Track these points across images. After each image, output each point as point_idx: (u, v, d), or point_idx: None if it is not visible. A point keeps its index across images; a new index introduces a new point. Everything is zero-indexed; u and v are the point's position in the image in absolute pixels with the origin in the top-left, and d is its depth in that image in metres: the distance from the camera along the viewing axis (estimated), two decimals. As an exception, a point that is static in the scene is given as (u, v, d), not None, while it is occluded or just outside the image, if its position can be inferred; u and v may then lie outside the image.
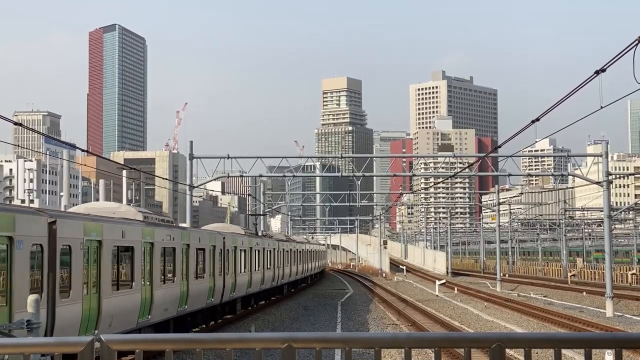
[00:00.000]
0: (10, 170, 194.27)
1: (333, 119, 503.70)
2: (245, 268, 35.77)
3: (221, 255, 30.89)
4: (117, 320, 19.24)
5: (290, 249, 53.13)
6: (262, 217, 68.06)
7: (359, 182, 59.23)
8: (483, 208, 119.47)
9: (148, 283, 21.73)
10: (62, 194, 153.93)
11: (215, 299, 29.91)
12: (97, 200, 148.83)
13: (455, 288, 59.26)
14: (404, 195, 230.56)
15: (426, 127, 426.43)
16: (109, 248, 18.78)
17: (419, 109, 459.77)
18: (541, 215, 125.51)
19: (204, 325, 30.08)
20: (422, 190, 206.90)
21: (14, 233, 14.04)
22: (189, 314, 26.62)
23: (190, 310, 26.47)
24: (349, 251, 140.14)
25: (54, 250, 15.69)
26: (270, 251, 43.50)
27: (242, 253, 35.19)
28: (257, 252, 38.80)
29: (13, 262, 14.04)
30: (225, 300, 31.85)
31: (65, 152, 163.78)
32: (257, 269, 38.70)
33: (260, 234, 46.55)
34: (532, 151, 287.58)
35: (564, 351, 4.35)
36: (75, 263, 16.74)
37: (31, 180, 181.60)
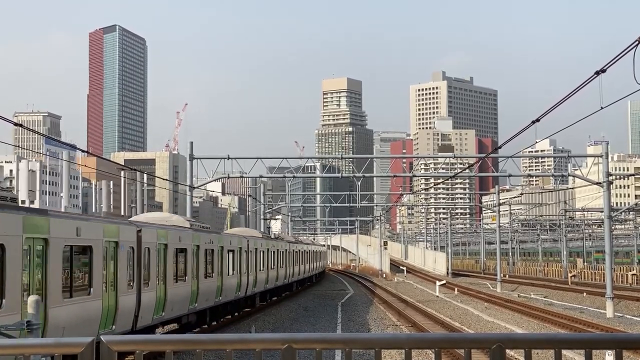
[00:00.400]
0: (11, 171, 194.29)
1: (333, 119, 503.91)
2: (263, 267, 40.44)
3: (246, 256, 35.75)
4: (176, 306, 24.25)
5: (299, 250, 58.01)
6: (268, 220, 74.08)
7: (359, 183, 59.24)
8: (483, 209, 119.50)
9: (195, 278, 26.42)
10: (62, 194, 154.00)
11: (241, 293, 34.71)
12: (97, 200, 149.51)
13: (456, 289, 59.28)
14: (404, 195, 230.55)
15: (426, 128, 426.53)
16: (172, 250, 23.90)
17: (419, 109, 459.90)
18: (541, 215, 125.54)
19: (236, 314, 35.69)
20: (423, 191, 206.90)
21: (119, 239, 19.20)
22: (221, 305, 31.35)
23: (223, 302, 31.24)
24: (349, 252, 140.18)
25: (140, 251, 20.91)
26: (282, 252, 48.22)
27: (261, 254, 39.95)
28: (272, 253, 43.60)
29: (118, 259, 19.17)
30: (248, 294, 36.74)
31: (65, 152, 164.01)
32: (272, 268, 43.49)
33: (272, 236, 51.48)
34: (532, 152, 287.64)
35: (564, 352, 4.35)
36: (152, 261, 21.97)
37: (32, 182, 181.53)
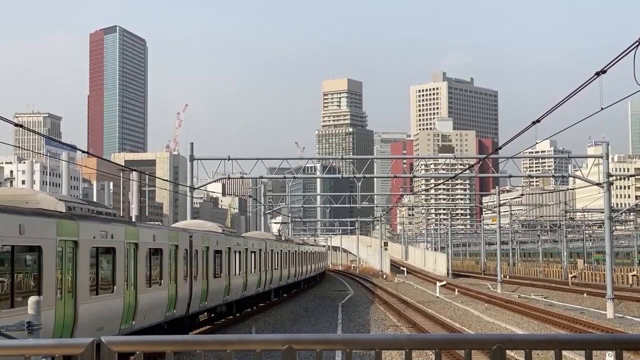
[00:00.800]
0: (11, 172, 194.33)
1: (333, 120, 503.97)
2: (277, 266, 45.17)
3: (264, 257, 40.65)
4: (214, 297, 29.44)
5: (306, 251, 63.02)
6: (280, 224, 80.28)
7: (360, 184, 59.27)
8: (484, 209, 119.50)
9: (227, 275, 31.49)
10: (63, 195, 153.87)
11: (260, 289, 39.64)
12: (96, 200, 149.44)
13: (456, 289, 59.27)
14: (405, 196, 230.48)
15: (427, 129, 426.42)
16: (212, 251, 28.92)
17: (419, 110, 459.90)
18: (542, 216, 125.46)
19: (256, 306, 41.18)
20: (423, 192, 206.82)
21: (178, 243, 24.31)
22: (245, 298, 36.41)
23: (247, 296, 36.30)
24: (350, 252, 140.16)
25: (191, 252, 25.95)
26: (292, 253, 53.10)
27: (276, 255, 44.79)
28: (284, 253, 48.47)
29: (177, 259, 24.27)
30: (265, 290, 41.74)
31: (65, 153, 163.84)
32: (284, 267, 48.33)
33: (283, 238, 56.08)
34: (532, 152, 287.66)
35: (564, 352, 4.35)
36: (199, 260, 26.97)
37: (33, 182, 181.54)
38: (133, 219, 34.91)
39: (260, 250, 39.26)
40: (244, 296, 35.53)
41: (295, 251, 54.92)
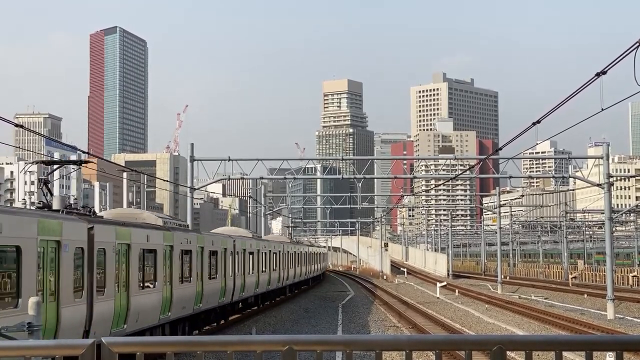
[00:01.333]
0: (12, 172, 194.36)
1: (334, 121, 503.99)
2: (290, 265, 51.09)
3: (282, 256, 47.11)
4: (247, 289, 35.38)
5: (312, 252, 68.83)
6: (290, 227, 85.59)
7: (360, 184, 59.25)
8: (484, 210, 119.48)
9: (257, 272, 37.68)
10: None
11: (279, 284, 46.13)
12: (99, 201, 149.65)
13: (456, 290, 59.25)
14: (405, 197, 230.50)
15: (427, 129, 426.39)
16: (245, 252, 34.95)
17: (419, 111, 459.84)
18: (542, 217, 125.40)
19: (279, 297, 49.36)
20: (423, 193, 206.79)
21: (227, 246, 31.09)
22: (269, 291, 43.39)
23: (271, 289, 43.01)
24: (350, 253, 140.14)
25: (234, 253, 32.49)
26: (303, 254, 59.60)
27: (289, 255, 50.82)
28: (296, 254, 54.29)
29: (226, 258, 30.92)
30: (282, 286, 48.04)
31: (60, 154, 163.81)
32: (296, 266, 54.31)
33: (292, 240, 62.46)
34: (533, 153, 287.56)
35: (565, 353, 4.35)
36: (240, 260, 33.70)
37: (32, 183, 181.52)
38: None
39: (279, 251, 45.83)
40: (268, 290, 42.23)
41: (305, 252, 61.80)
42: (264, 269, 40.08)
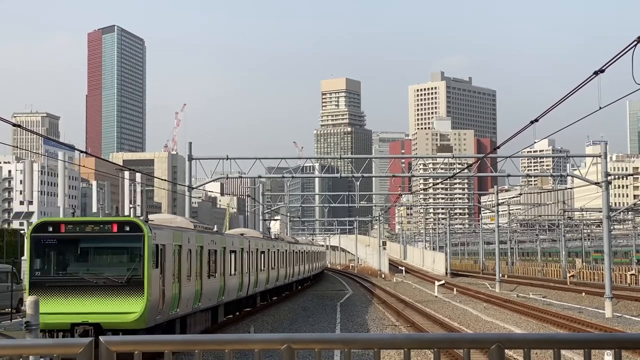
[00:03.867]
0: (9, 171, 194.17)
1: (332, 119, 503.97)
2: (296, 263, 55.30)
3: (290, 255, 51.55)
4: (260, 284, 39.40)
5: (312, 250, 71.48)
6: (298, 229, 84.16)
7: (358, 183, 59.23)
8: (482, 209, 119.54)
9: (268, 269, 41.80)
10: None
11: (287, 280, 50.16)
12: (98, 201, 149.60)
13: (455, 289, 59.28)
14: (403, 196, 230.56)
15: (425, 128, 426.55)
16: (258, 252, 38.31)
17: (417, 109, 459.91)
18: (540, 215, 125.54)
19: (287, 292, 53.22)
20: (421, 191, 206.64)
21: (243, 246, 34.62)
22: (280, 286, 48.01)
23: (279, 285, 46.86)
24: (348, 252, 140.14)
25: (249, 252, 35.93)
26: (305, 252, 63.02)
27: (296, 254, 55.45)
28: (301, 253, 58.92)
29: (243, 257, 34.23)
30: (290, 281, 52.59)
31: (61, 153, 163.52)
32: (301, 264, 58.82)
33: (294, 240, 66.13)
34: (531, 152, 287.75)
35: (563, 352, 4.35)
36: (255, 258, 37.51)
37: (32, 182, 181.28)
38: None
39: (285, 250, 49.25)
40: (277, 285, 45.59)
41: (308, 251, 66.60)
42: (272, 267, 43.55)
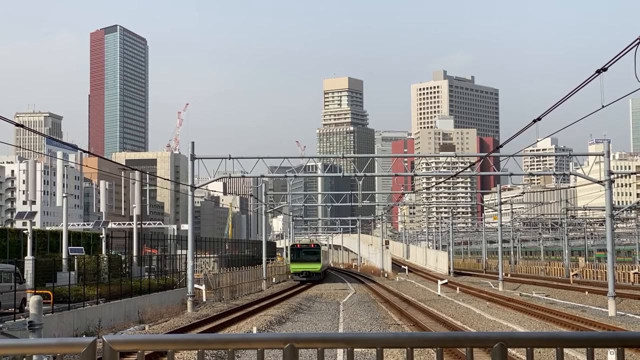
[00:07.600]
0: (12, 171, 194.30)
1: (334, 119, 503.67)
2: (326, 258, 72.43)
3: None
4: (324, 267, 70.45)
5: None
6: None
7: (361, 182, 59.27)
8: (485, 208, 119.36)
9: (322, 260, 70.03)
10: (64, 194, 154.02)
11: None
12: (99, 201, 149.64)
13: (457, 288, 59.26)
14: (406, 195, 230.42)
15: (428, 127, 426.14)
16: (322, 251, 73.37)
17: (420, 108, 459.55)
18: (543, 214, 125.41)
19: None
20: (424, 190, 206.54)
21: (323, 248, 74.95)
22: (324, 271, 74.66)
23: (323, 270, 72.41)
24: (351, 251, 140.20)
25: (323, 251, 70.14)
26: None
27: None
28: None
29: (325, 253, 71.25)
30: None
31: (60, 152, 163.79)
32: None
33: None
34: (533, 150, 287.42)
35: (566, 350, 4.34)
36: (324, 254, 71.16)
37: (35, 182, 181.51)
38: (134, 219, 39.36)
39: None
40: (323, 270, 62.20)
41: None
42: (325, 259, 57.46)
